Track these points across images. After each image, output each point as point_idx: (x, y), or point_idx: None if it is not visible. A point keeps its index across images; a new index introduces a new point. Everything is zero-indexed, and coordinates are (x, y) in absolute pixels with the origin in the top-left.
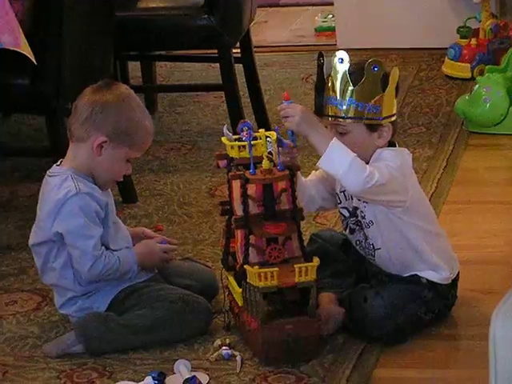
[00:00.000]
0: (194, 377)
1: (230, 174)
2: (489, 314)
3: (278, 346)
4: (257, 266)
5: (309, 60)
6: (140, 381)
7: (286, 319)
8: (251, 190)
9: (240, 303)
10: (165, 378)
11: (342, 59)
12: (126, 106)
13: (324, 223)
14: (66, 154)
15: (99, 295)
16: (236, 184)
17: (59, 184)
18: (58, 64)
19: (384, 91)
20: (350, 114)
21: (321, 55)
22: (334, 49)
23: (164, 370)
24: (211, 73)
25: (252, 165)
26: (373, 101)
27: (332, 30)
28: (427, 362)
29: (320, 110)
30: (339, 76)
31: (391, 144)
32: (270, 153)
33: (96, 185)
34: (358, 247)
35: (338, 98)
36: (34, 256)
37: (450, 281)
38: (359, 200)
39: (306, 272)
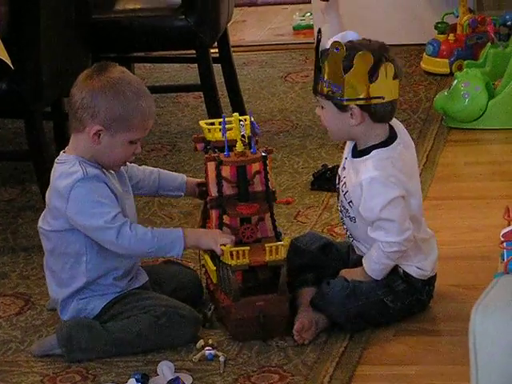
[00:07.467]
0: (178, 378)
1: (205, 156)
2: (470, 309)
3: (249, 322)
4: (229, 245)
5: (287, 58)
6: (123, 383)
7: (257, 296)
8: (226, 171)
9: (214, 280)
10: (148, 380)
11: (320, 38)
12: (117, 91)
13: (305, 221)
14: (69, 143)
15: (97, 298)
16: (211, 166)
17: (67, 171)
18: (35, 67)
19: (345, 73)
20: (320, 90)
21: (319, 30)
22: (312, 47)
23: (147, 371)
24: (190, 73)
25: (226, 147)
26: (335, 80)
27: (310, 28)
28: (410, 358)
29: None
30: (319, 54)
31: (388, 140)
32: (243, 136)
33: (104, 168)
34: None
35: (316, 74)
36: (43, 239)
37: (426, 278)
38: (346, 199)
39: (276, 251)
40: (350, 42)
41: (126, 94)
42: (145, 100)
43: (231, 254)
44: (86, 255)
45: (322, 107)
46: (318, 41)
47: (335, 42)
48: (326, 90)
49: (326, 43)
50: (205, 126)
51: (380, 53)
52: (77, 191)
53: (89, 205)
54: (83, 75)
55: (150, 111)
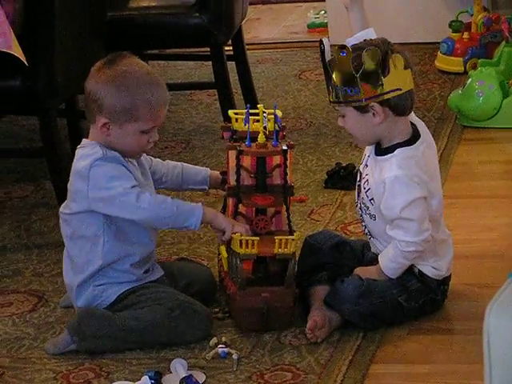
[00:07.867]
0: (191, 376)
1: (227, 143)
2: (484, 307)
3: (253, 312)
4: (239, 233)
5: (302, 56)
6: (137, 380)
7: (264, 287)
8: (246, 161)
9: (225, 268)
10: (161, 378)
11: (324, 49)
12: (119, 84)
13: (318, 220)
14: (89, 132)
15: (113, 286)
16: (232, 154)
17: (87, 153)
18: (49, 64)
19: (357, 73)
20: (337, 99)
21: (321, 42)
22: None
23: (160, 369)
24: (204, 71)
25: (248, 138)
26: (349, 83)
27: (324, 26)
28: (424, 356)
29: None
30: (326, 65)
31: (411, 139)
32: (265, 127)
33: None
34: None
35: (328, 84)
36: (63, 225)
37: (441, 278)
38: (367, 196)
39: (285, 244)
40: (352, 45)
41: (129, 87)
42: (151, 90)
43: (240, 243)
44: (103, 236)
45: (343, 116)
46: (322, 51)
47: (339, 46)
48: (342, 96)
49: (349, 40)
50: (233, 115)
51: (385, 46)
52: (96, 169)
53: (108, 179)
54: (94, 67)
55: (158, 101)
